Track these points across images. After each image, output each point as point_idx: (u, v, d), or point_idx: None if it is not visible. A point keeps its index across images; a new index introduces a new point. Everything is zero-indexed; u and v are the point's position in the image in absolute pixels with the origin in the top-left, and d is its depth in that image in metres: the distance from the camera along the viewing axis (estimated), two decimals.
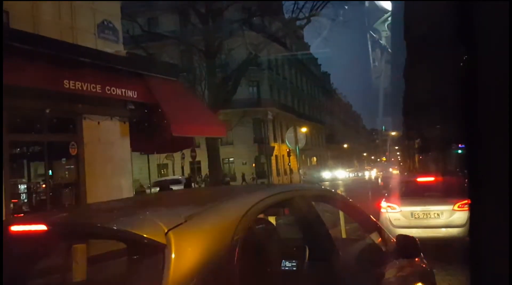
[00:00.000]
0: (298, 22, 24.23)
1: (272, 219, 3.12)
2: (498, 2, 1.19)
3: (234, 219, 1.83)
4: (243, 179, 34.10)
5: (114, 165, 8.97)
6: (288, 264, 2.27)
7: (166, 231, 1.58)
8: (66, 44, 7.97)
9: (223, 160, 31.70)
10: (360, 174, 59.03)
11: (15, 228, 1.89)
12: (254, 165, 38.62)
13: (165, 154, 22.14)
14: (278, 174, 42.14)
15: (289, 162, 36.28)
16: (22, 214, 7.59)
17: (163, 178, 30.27)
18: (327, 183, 37.94)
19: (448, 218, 7.39)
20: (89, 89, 7.75)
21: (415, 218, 7.62)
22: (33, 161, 9.21)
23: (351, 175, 57.88)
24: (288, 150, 33.03)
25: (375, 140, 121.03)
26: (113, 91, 8.23)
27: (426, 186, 8.50)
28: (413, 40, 29.89)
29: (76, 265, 2.28)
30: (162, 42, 29.86)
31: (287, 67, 51.67)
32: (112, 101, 8.59)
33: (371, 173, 53.91)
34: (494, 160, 1.17)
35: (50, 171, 8.55)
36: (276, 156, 39.99)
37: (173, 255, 1.51)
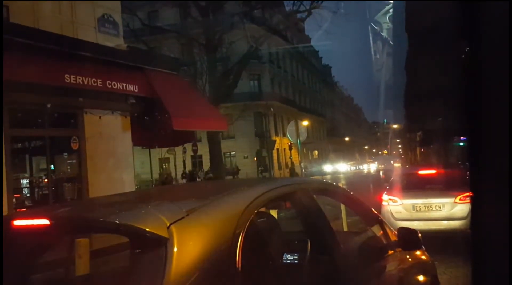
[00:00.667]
0: (299, 15, 24.13)
1: (273, 213, 3.13)
2: None
3: (236, 213, 1.84)
4: (235, 172, 32.62)
5: (115, 159, 8.98)
6: (289, 257, 2.28)
7: (168, 224, 1.59)
8: (66, 39, 7.95)
9: (224, 154, 31.68)
10: (361, 167, 58.95)
11: (18, 222, 1.90)
12: (255, 158, 38.64)
13: (166, 148, 22.11)
14: (279, 167, 42.16)
15: (291, 155, 36.27)
16: (25, 209, 7.62)
17: None
18: (328, 176, 37.97)
19: (449, 210, 7.39)
20: (90, 83, 7.75)
21: (417, 211, 7.62)
22: (35, 156, 9.23)
23: (353, 168, 57.87)
24: (289, 143, 33.02)
25: (377, 133, 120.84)
26: (114, 85, 8.23)
27: (427, 179, 8.49)
28: (414, 32, 29.73)
29: (79, 259, 2.29)
30: (162, 35, 29.76)
31: (288, 60, 51.51)
32: (113, 96, 8.58)
33: (370, 167, 53.78)
34: (495, 153, 1.17)
35: (52, 166, 8.57)
36: (277, 149, 40.00)
37: (175, 249, 1.52)
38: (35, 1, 8.00)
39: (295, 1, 22.47)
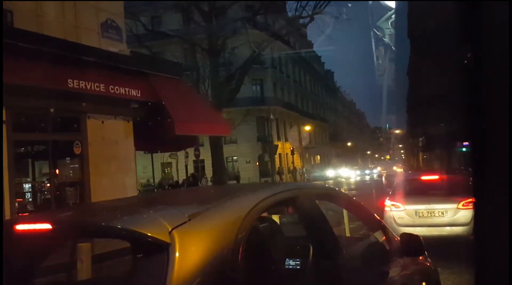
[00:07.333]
0: (301, 20, 24.16)
1: (276, 218, 3.13)
2: None
3: (238, 218, 1.83)
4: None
5: (118, 163, 9.00)
6: (292, 262, 2.27)
7: (170, 229, 1.58)
8: (70, 43, 8.00)
9: (226, 159, 31.70)
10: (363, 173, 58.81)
11: (20, 227, 1.90)
12: (258, 163, 38.60)
13: (168, 153, 22.12)
14: (282, 172, 42.12)
15: (293, 160, 36.24)
16: (27, 213, 7.63)
17: None
18: (330, 181, 37.91)
19: (452, 216, 7.36)
20: (93, 88, 7.78)
21: (420, 216, 7.59)
22: (37, 160, 9.26)
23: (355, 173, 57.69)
24: (291, 148, 32.99)
25: (379, 138, 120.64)
26: (117, 90, 8.26)
27: (430, 185, 8.46)
28: (417, 37, 29.77)
29: (81, 263, 2.30)
30: (165, 40, 29.89)
31: (290, 65, 51.60)
32: (116, 100, 8.61)
33: (365, 172, 53.66)
34: (498, 158, 1.17)
35: (54, 170, 8.59)
36: (279, 154, 39.97)
37: (177, 254, 1.52)
38: (39, 2, 8.05)
39: (298, 7, 22.50)
